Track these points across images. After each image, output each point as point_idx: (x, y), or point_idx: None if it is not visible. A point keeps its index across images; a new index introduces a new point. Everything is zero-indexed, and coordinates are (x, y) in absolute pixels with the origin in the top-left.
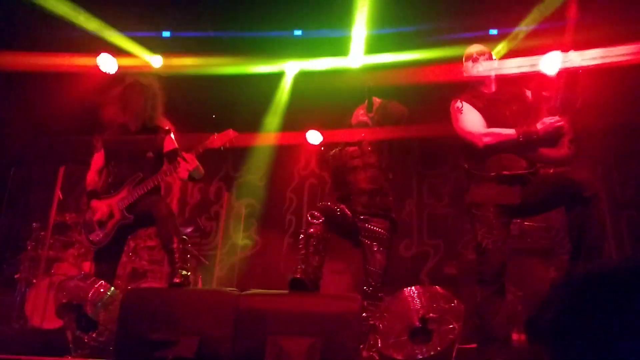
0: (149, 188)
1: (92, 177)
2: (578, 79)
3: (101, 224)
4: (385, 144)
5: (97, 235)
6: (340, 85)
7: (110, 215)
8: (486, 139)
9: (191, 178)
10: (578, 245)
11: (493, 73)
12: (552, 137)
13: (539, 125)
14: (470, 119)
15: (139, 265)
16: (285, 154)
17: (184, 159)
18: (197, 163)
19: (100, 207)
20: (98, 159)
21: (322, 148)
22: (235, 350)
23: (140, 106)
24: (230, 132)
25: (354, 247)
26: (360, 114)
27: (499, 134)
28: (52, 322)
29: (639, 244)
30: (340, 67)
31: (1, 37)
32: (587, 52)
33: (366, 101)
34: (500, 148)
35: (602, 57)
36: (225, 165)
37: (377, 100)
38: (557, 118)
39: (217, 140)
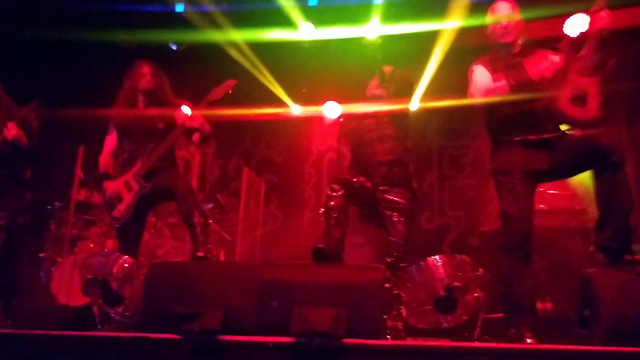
0: (161, 153)
1: (105, 160)
2: (609, 39)
3: (120, 199)
4: (401, 114)
5: (119, 211)
6: (357, 56)
7: (129, 188)
8: (482, 96)
9: (202, 140)
10: (605, 211)
11: (518, 34)
12: (551, 82)
13: (530, 70)
14: (478, 81)
15: (162, 242)
16: (303, 128)
17: (186, 111)
18: (203, 119)
19: (115, 185)
20: (111, 141)
21: (341, 121)
22: (260, 321)
23: (148, 85)
24: (229, 82)
25: (374, 220)
26: (374, 86)
27: (491, 88)
28: (79, 300)
29: None
30: (357, 36)
31: None
32: (619, 12)
33: (378, 72)
34: (502, 103)
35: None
36: (243, 141)
37: (387, 69)
38: (553, 60)
39: (218, 91)
